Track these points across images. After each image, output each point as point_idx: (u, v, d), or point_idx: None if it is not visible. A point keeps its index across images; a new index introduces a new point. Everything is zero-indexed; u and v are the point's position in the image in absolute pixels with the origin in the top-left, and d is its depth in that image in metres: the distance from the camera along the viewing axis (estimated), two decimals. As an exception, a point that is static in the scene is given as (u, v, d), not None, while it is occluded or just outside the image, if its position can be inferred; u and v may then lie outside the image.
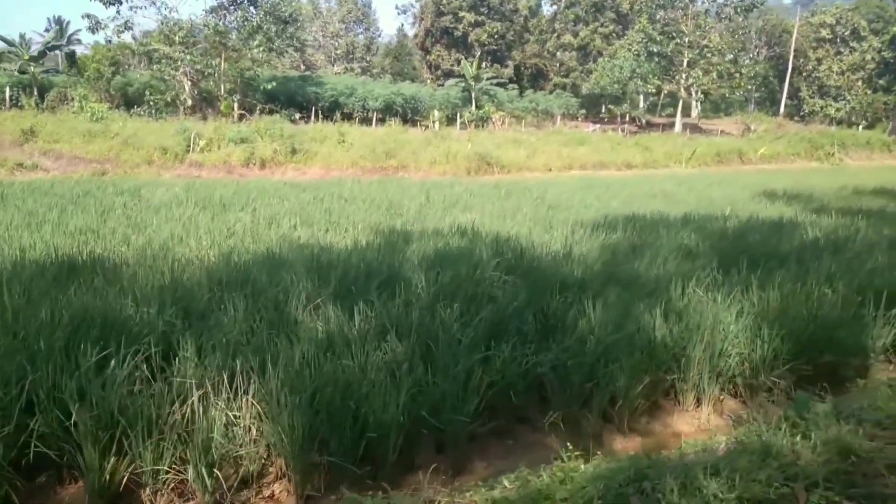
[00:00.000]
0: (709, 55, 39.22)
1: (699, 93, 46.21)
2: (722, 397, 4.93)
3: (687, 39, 39.30)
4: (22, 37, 38.59)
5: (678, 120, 40.88)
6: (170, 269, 5.89)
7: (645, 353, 4.56)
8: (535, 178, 23.37)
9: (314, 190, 14.08)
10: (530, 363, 4.37)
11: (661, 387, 4.63)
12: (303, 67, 56.13)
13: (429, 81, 50.08)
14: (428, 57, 50.48)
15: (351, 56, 55.26)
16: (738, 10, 39.51)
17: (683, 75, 39.66)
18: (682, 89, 40.00)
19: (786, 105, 64.15)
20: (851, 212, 11.80)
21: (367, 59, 56.15)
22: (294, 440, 3.37)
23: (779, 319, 4.94)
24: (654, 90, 38.80)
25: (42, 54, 34.43)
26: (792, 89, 64.68)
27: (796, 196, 15.00)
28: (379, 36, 60.20)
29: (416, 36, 56.27)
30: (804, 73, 62.71)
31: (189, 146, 24.33)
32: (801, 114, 61.16)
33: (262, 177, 21.31)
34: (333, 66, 57.21)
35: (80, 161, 22.37)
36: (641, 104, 41.88)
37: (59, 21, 54.61)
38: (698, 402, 4.69)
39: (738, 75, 40.71)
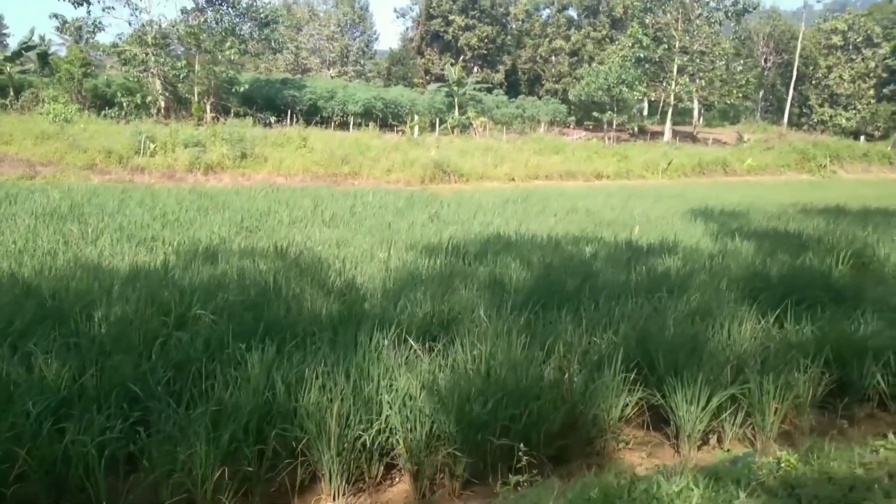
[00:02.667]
0: (697, 61, 37.84)
1: (694, 100, 44.87)
2: (398, 480, 4.02)
3: (677, 44, 37.94)
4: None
5: (667, 128, 39.49)
6: None
7: (255, 428, 3.66)
8: (487, 188, 22.42)
9: (206, 199, 13.29)
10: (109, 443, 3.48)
11: (282, 474, 3.71)
12: (300, 71, 55.85)
13: (424, 86, 49.35)
14: (419, 61, 49.76)
15: (345, 59, 54.72)
16: (730, 14, 38.05)
17: (672, 82, 38.29)
18: (672, 96, 38.65)
19: (794, 114, 62.21)
20: (761, 235, 10.71)
21: (362, 62, 55.56)
22: None
23: (466, 387, 4.01)
24: (640, 97, 37.51)
25: (19, 54, 34.27)
26: (801, 98, 62.75)
27: (729, 214, 13.88)
28: (376, 39, 59.65)
29: (412, 40, 55.63)
30: (813, 81, 60.79)
31: (140, 149, 23.85)
32: (810, 123, 59.30)
33: (200, 182, 20.66)
34: (329, 69, 56.75)
35: (22, 164, 21.87)
36: (639, 111, 40.53)
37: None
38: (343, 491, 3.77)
39: (732, 82, 39.24)
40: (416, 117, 36.58)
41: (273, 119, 34.58)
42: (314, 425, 3.69)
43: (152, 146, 23.93)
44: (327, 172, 24.00)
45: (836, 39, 59.38)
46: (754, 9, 39.80)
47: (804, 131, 54.81)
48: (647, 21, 38.25)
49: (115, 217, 10.41)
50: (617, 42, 42.19)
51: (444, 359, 4.44)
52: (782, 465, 2.98)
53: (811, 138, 41.51)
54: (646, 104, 55.71)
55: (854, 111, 56.67)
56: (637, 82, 36.88)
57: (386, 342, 4.43)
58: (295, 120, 34.84)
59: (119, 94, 31.90)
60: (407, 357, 4.36)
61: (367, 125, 34.79)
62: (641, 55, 37.37)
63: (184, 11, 32.11)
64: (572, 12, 49.15)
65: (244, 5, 33.28)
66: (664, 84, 39.04)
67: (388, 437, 3.80)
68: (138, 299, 5.17)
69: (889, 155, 39.04)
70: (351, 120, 36.50)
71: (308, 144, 26.88)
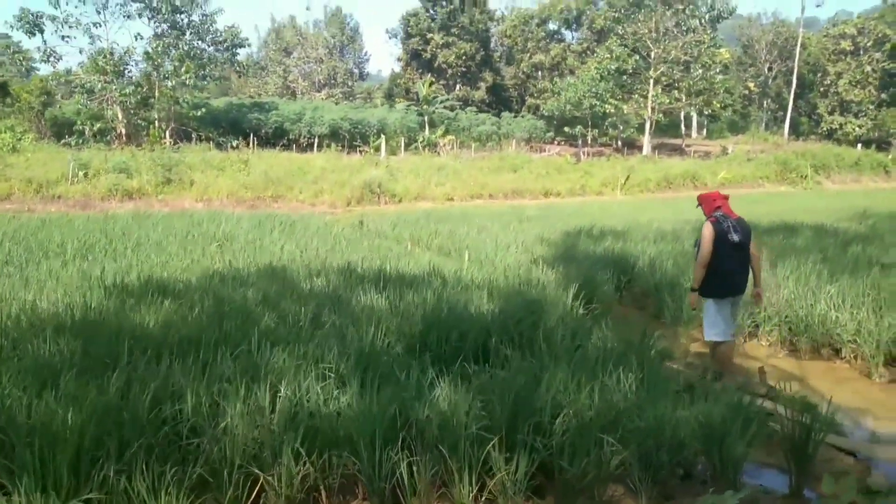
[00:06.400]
0: (673, 71, 36.23)
1: (683, 112, 43.20)
2: None
3: (653, 54, 36.40)
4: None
5: (646, 141, 37.85)
6: None
7: None
8: (412, 209, 21.37)
9: (37, 229, 12.54)
10: None
11: None
12: (289, 94, 55.94)
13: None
14: (400, 80, 49.22)
15: (333, 81, 54.56)
16: (703, 21, 36.38)
17: (649, 95, 36.67)
18: (650, 108, 37.02)
19: (803, 123, 59.63)
20: (587, 261, 9.50)
21: (350, 84, 55.30)
22: None
23: None
24: (612, 110, 36.00)
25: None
26: (809, 106, 60.19)
27: (594, 236, 12.54)
28: (367, 61, 59.44)
29: (400, 59, 55.25)
30: (821, 89, 58.23)
31: (70, 177, 23.56)
32: (819, 132, 56.67)
33: (105, 210, 20.10)
34: (319, 92, 56.67)
35: (-60, 196, 21.72)
36: (613, 125, 39.00)
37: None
38: None
39: (710, 91, 37.48)
40: (382, 137, 35.82)
41: (235, 143, 34.20)
42: None
43: (81, 174, 23.61)
44: (253, 196, 23.32)
45: (846, 44, 56.87)
46: (730, 14, 38.11)
47: (812, 141, 52.31)
48: (619, 31, 36.87)
49: None
50: (595, 55, 40.87)
51: None
52: None
53: (803, 147, 39.25)
54: (647, 119, 54.11)
55: (865, 118, 53.99)
56: (608, 95, 35.42)
57: None
58: (255, 143, 34.40)
59: (79, 122, 31.97)
60: None
61: (326, 147, 34.18)
62: (612, 67, 35.92)
63: (138, 38, 32.04)
64: (553, 26, 47.97)
65: (200, 29, 33.12)
66: (635, 96, 37.45)
67: None
68: None
69: (885, 163, 36.59)
70: (315, 142, 35.97)
71: (248, 168, 26.30)
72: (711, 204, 5.95)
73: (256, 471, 3.58)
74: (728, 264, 5.66)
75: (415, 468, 3.71)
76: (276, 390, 4.19)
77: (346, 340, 5.30)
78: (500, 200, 25.10)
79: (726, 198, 6.00)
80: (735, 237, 5.62)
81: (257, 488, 3.58)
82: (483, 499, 3.69)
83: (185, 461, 3.65)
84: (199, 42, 33.96)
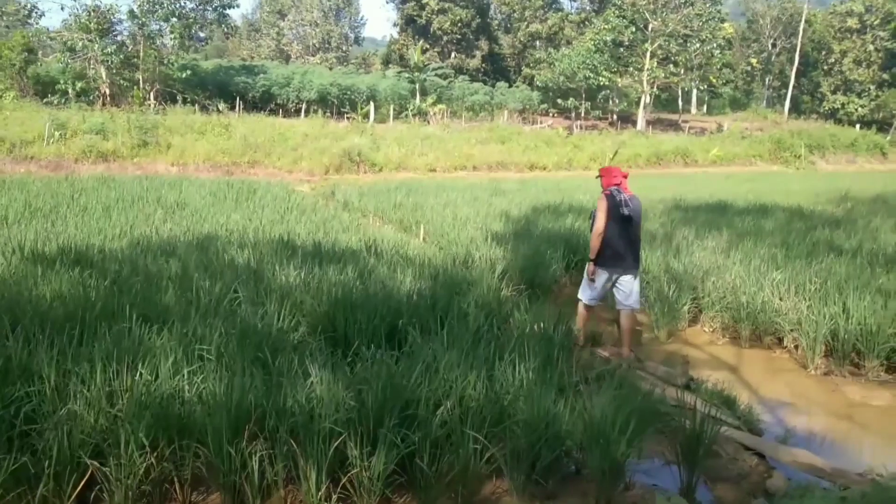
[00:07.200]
0: (671, 44, 35.37)
1: (682, 87, 42.41)
2: None
3: (650, 27, 35.52)
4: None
5: (640, 116, 37.16)
6: None
7: None
8: (390, 179, 20.98)
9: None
10: None
11: None
12: (283, 57, 54.93)
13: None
14: (394, 46, 48.26)
15: (327, 46, 53.50)
16: (704, -7, 35.48)
17: (645, 68, 35.85)
18: (645, 82, 36.24)
19: (805, 102, 58.71)
20: (538, 238, 9.22)
21: (344, 48, 54.25)
22: None
23: None
24: (606, 83, 35.22)
25: (-30, 41, 33.98)
26: (812, 85, 59.18)
27: (561, 212, 12.24)
28: (363, 25, 58.23)
29: (396, 24, 54.16)
30: (825, 67, 57.17)
31: (46, 137, 23.10)
32: (821, 111, 55.75)
33: (73, 172, 19.71)
34: (313, 56, 55.67)
35: None
36: (606, 98, 38.27)
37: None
38: None
39: (707, 66, 36.70)
40: (371, 104, 35.17)
41: (220, 106, 33.52)
42: None
43: (57, 134, 23.14)
44: (230, 162, 22.86)
45: (852, 22, 55.67)
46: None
47: (813, 120, 51.48)
48: (617, 1, 35.94)
49: None
50: (593, 25, 39.93)
51: None
52: None
53: (799, 126, 38.54)
54: (643, 93, 53.20)
55: (867, 98, 53.06)
56: (602, 67, 34.64)
57: None
58: (241, 107, 33.74)
59: (62, 81, 31.30)
60: None
61: (313, 113, 33.55)
62: (608, 38, 35.08)
63: (128, -4, 31.18)
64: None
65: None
66: (630, 70, 36.64)
67: None
68: None
69: (882, 145, 35.97)
70: (303, 107, 35.33)
71: (229, 132, 25.78)
72: (611, 179, 6.13)
73: (87, 460, 3.34)
74: (618, 237, 5.91)
75: (266, 462, 3.48)
76: (135, 373, 3.93)
77: (239, 320, 5.03)
78: (483, 172, 24.66)
79: (626, 175, 6.25)
80: (625, 211, 5.88)
81: (85, 480, 3.34)
82: (335, 497, 3.45)
83: (20, 448, 3.41)
84: (187, 1, 33.09)
